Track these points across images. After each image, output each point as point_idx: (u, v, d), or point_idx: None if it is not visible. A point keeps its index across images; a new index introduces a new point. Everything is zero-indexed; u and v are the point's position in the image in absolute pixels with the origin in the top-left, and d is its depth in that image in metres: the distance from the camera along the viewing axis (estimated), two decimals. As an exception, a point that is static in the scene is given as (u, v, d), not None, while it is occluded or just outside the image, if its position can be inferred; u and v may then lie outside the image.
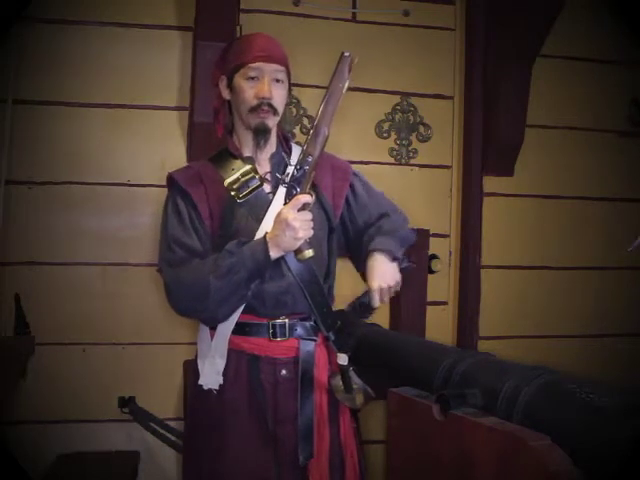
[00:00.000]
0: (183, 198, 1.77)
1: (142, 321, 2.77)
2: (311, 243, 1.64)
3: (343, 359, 1.71)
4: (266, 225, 1.71)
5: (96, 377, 2.75)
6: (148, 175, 2.81)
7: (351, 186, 1.88)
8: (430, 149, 3.18)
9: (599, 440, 1.35)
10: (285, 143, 1.86)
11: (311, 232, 1.62)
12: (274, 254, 1.64)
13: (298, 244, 1.63)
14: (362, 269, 1.81)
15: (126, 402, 2.73)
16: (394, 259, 1.74)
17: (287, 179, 1.64)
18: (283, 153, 1.83)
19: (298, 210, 1.60)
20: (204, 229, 1.74)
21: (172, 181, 1.81)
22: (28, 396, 2.68)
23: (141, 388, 2.77)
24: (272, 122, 1.77)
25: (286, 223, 1.60)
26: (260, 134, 1.77)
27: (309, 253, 1.63)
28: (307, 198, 1.60)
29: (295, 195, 1.61)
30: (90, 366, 2.75)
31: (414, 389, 1.84)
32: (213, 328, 1.77)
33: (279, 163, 1.81)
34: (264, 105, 1.74)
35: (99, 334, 2.77)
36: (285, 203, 1.64)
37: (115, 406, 2.74)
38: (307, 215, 1.61)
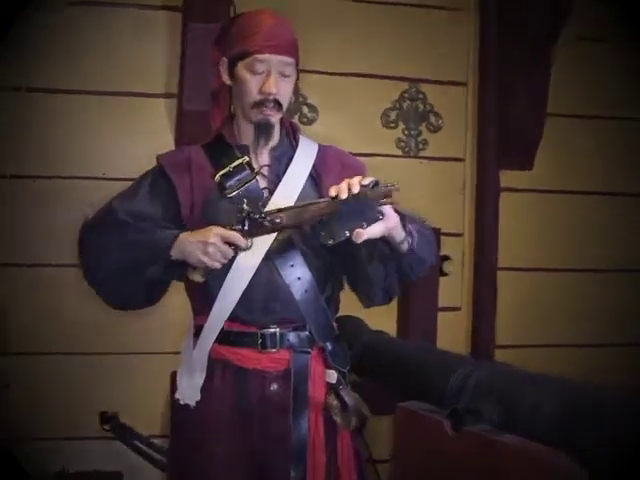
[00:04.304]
0: (160, 181, 1.76)
1: (125, 328, 2.72)
2: (205, 273, 1.66)
3: (332, 377, 1.70)
4: None
5: (74, 390, 2.73)
6: (131, 169, 2.76)
7: None
8: (441, 140, 3.16)
9: (631, 461, 1.32)
10: (293, 134, 1.83)
11: (215, 266, 1.64)
12: (175, 254, 1.67)
13: (196, 264, 1.65)
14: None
15: (108, 418, 2.70)
16: (402, 219, 1.64)
17: (254, 214, 1.63)
18: (288, 145, 1.81)
19: (225, 242, 1.61)
20: (168, 217, 1.74)
21: (158, 162, 1.80)
22: (-1, 411, 2.67)
23: (124, 403, 2.74)
24: (276, 118, 1.75)
25: (205, 239, 1.62)
26: (262, 131, 1.75)
27: (197, 277, 1.67)
28: (241, 242, 1.62)
29: (238, 230, 1.62)
30: (67, 378, 2.73)
31: (424, 403, 1.83)
32: (196, 336, 1.75)
33: (281, 156, 1.78)
34: (268, 102, 1.70)
35: (77, 343, 2.74)
36: (243, 228, 1.63)
37: (96, 423, 2.71)
38: (227, 252, 1.62)
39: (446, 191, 3.15)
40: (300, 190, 1.74)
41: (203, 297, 1.72)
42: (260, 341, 1.72)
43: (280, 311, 1.73)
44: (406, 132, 3.13)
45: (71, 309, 2.73)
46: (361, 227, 1.53)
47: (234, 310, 1.71)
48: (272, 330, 1.72)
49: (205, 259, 1.62)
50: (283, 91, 1.72)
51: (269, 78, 1.69)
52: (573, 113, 3.20)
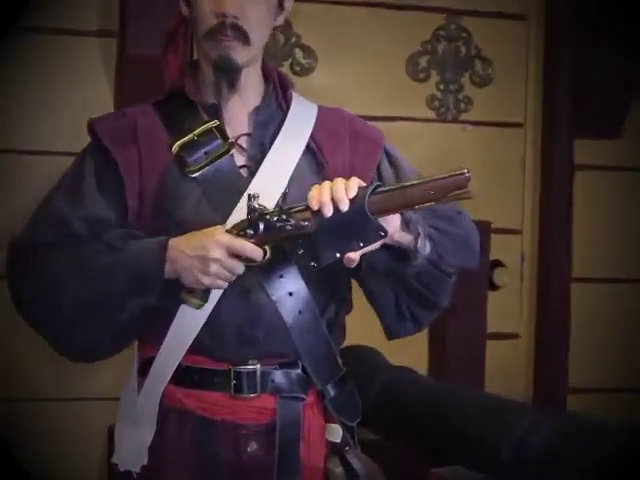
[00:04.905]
0: (102, 161, 1.75)
1: (46, 365, 2.72)
2: (205, 297, 1.67)
3: (335, 433, 1.72)
4: (234, 219, 1.67)
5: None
6: (53, 139, 2.81)
7: (379, 168, 1.84)
8: (492, 97, 3.17)
9: None
10: (282, 91, 1.84)
11: (220, 287, 1.65)
12: (168, 271, 1.66)
13: (194, 285, 1.65)
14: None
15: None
16: (406, 221, 1.65)
17: (256, 212, 1.62)
18: (275, 107, 1.82)
19: (232, 254, 1.62)
20: (121, 216, 1.73)
21: (92, 133, 1.79)
22: None
23: (46, 468, 2.72)
24: (243, 56, 1.73)
25: (205, 253, 1.62)
26: (223, 73, 1.74)
27: (195, 303, 1.67)
28: (256, 255, 1.62)
29: (249, 237, 1.62)
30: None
31: (467, 469, 1.87)
32: (143, 374, 1.75)
33: (266, 122, 1.79)
34: (226, 27, 1.70)
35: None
36: (256, 233, 1.62)
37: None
38: (236, 268, 1.63)
39: (499, 169, 3.15)
40: (293, 170, 1.74)
41: (153, 319, 1.72)
42: (234, 382, 1.72)
43: (263, 340, 1.72)
44: (442, 86, 3.13)
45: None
46: (356, 248, 1.56)
47: (198, 338, 1.71)
48: (251, 367, 1.72)
49: (206, 280, 1.62)
50: (250, 13, 1.72)
51: None
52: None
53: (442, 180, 1.51)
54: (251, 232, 1.62)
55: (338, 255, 1.56)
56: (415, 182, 1.53)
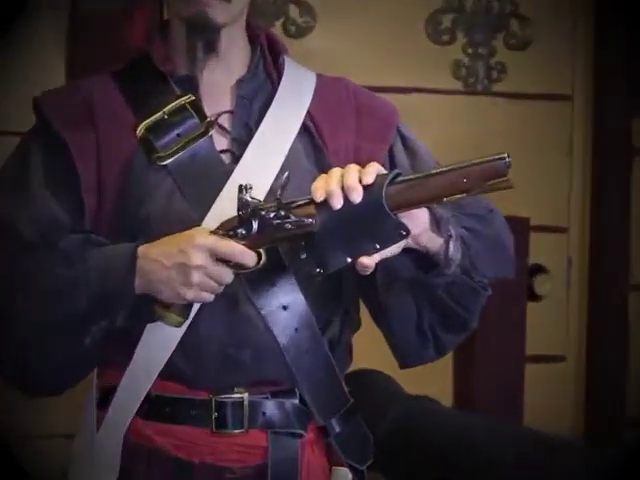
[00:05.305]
0: (50, 148, 1.76)
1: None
2: (186, 312, 1.67)
3: (342, 478, 1.74)
4: (214, 216, 1.69)
5: None
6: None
7: (391, 152, 1.85)
8: (530, 64, 3.19)
9: None
10: (272, 58, 1.85)
11: (206, 299, 1.65)
12: (139, 285, 1.66)
13: (175, 300, 1.65)
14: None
15: None
16: (436, 220, 1.65)
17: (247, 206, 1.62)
18: (263, 77, 1.83)
19: (218, 258, 1.62)
20: (76, 216, 1.74)
21: (38, 113, 1.80)
22: None
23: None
24: (221, 13, 1.74)
25: (185, 260, 1.61)
26: (198, 35, 1.76)
27: (174, 320, 1.67)
28: (248, 259, 1.62)
29: (239, 237, 1.62)
30: None
31: None
32: (103, 405, 1.75)
33: (252, 96, 1.81)
34: None
35: None
36: (249, 233, 1.62)
37: None
38: (224, 276, 1.63)
39: (540, 153, 3.17)
40: (286, 154, 1.76)
41: (116, 338, 1.72)
42: (215, 415, 1.73)
43: (251, 363, 1.73)
44: (470, 50, 3.16)
45: None
46: (371, 251, 1.56)
47: (170, 360, 1.72)
48: (237, 396, 1.73)
49: (189, 294, 1.62)
50: None
51: None
52: None
53: (477, 166, 1.50)
54: (243, 232, 1.62)
55: (349, 260, 1.55)
56: (444, 168, 1.52)
